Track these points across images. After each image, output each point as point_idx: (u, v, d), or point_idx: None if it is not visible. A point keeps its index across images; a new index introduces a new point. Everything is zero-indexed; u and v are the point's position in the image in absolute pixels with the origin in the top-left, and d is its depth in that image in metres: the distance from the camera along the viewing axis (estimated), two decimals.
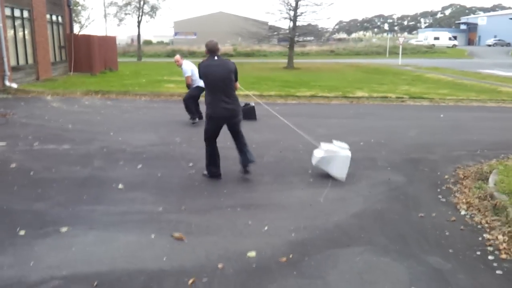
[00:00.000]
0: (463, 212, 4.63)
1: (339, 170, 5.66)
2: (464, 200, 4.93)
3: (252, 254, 3.63)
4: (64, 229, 4.03)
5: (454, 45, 59.10)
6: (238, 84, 5.60)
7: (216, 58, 5.36)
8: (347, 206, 4.80)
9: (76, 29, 27.29)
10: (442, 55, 43.79)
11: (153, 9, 36.97)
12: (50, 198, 4.83)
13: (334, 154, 5.69)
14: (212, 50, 5.35)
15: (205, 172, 5.67)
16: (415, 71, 24.01)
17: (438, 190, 5.35)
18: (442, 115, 10.89)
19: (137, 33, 37.07)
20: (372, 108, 12.30)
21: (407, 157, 6.86)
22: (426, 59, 35.82)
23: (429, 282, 3.28)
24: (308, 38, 32.51)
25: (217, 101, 5.29)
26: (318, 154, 5.81)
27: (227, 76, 5.30)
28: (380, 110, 11.87)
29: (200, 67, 5.42)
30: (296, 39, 28.97)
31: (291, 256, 3.62)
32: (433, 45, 53.85)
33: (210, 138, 5.54)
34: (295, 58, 29.68)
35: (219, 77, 5.27)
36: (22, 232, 3.95)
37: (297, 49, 35.65)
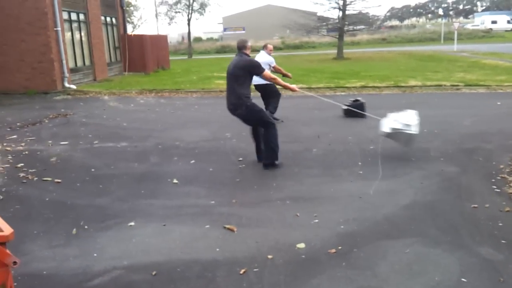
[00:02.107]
0: None
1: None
2: None
3: (301, 245, 3.72)
4: (124, 222, 4.29)
5: None
6: (267, 73, 5.99)
7: (237, 55, 5.89)
8: (397, 198, 4.78)
9: (129, 29, 28.22)
10: (501, 39, 41.59)
11: (202, 6, 37.66)
12: (110, 193, 5.13)
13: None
14: (237, 47, 5.94)
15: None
16: (472, 57, 23.04)
17: (493, 180, 5.21)
18: (499, 103, 10.46)
19: (187, 31, 37.87)
20: (426, 97, 12.00)
21: (461, 147, 6.69)
22: (483, 44, 34.21)
23: (480, 273, 3.24)
24: (358, 27, 31.96)
25: (227, 94, 5.91)
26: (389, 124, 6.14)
27: (232, 72, 5.76)
28: (434, 99, 11.56)
29: None
30: (345, 28, 28.59)
31: (340, 247, 3.68)
32: (491, 29, 51.18)
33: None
34: (345, 48, 29.27)
35: (228, 73, 5.84)
36: (86, 226, 4.24)
37: (347, 39, 35.20)
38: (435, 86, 13.39)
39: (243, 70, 5.70)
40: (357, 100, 9.47)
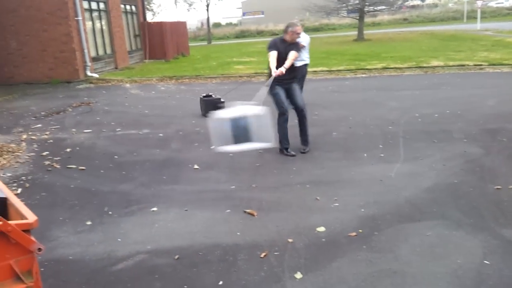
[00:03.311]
0: None
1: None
2: None
3: (321, 229, 3.74)
4: (147, 208, 4.36)
5: None
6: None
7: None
8: (419, 180, 4.73)
9: (148, 17, 28.33)
10: None
11: None
12: (133, 179, 5.22)
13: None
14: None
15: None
16: (495, 36, 22.41)
17: None
18: None
19: (206, 17, 37.80)
20: (448, 77, 11.76)
21: (484, 127, 6.56)
22: (508, 22, 33.18)
23: (503, 255, 3.21)
24: (379, 8, 31.30)
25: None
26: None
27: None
28: (457, 79, 11.32)
29: None
30: (366, 9, 28.05)
31: (360, 231, 3.68)
32: None
33: None
34: (366, 30, 28.79)
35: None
36: (110, 212, 4.34)
37: (367, 19, 34.59)
38: (458, 66, 13.11)
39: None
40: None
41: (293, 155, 5.79)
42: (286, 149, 5.87)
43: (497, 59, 13.78)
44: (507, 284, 2.89)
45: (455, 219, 3.81)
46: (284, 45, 5.79)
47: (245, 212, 4.15)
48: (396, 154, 5.60)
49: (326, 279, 3.04)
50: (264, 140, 4.53)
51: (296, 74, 6.19)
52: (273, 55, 5.69)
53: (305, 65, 8.55)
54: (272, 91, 5.79)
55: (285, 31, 5.85)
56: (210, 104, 8.05)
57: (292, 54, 5.68)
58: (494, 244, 3.37)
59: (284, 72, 5.56)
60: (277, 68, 5.55)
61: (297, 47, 5.89)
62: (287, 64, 5.59)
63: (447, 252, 3.31)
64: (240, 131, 4.38)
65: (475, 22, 30.49)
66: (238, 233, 3.76)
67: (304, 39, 8.97)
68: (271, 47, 5.81)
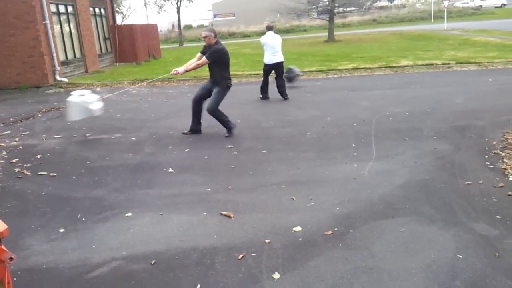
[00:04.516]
0: (511, 178, 4.55)
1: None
2: None
3: (298, 228, 3.76)
4: (121, 213, 4.30)
5: (503, 5, 55.42)
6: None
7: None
8: (392, 178, 4.82)
9: (118, 19, 27.95)
10: (491, 16, 41.49)
11: None
12: (106, 184, 5.14)
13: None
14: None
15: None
16: (462, 35, 23.04)
17: (486, 156, 5.26)
18: (490, 79, 10.51)
19: (177, 19, 37.55)
20: (417, 76, 12.02)
21: (453, 124, 6.73)
22: (474, 21, 34.10)
23: (475, 249, 3.29)
24: (349, 9, 31.80)
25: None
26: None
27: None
28: (426, 78, 11.58)
29: None
30: (335, 10, 28.42)
31: (336, 229, 3.72)
32: (480, 6, 50.95)
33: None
34: (336, 31, 29.15)
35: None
36: (83, 218, 4.26)
37: (337, 21, 35.00)
38: (427, 65, 13.42)
39: None
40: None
41: (183, 132, 7.18)
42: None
43: (464, 57, 14.16)
44: (480, 277, 2.97)
45: (428, 215, 3.89)
46: (207, 48, 6.85)
47: (221, 214, 4.14)
48: (368, 152, 5.69)
49: (303, 278, 3.06)
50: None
51: (216, 78, 6.94)
52: (196, 57, 6.97)
53: (281, 62, 9.71)
54: None
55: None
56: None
57: (201, 59, 6.78)
58: (466, 239, 3.45)
59: (180, 72, 6.75)
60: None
61: (210, 52, 6.73)
62: (190, 67, 6.81)
63: (421, 248, 3.37)
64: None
65: (442, 22, 31.27)
66: (215, 236, 3.74)
67: (275, 38, 9.41)
68: (202, 49, 6.99)
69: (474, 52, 15.44)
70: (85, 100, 6.92)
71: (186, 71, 6.77)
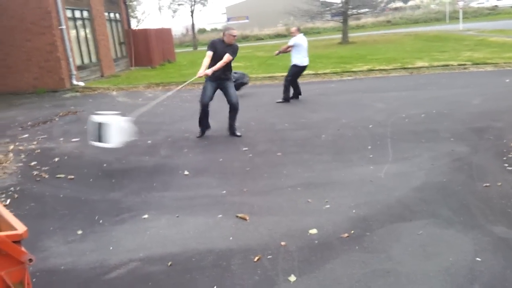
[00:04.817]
0: None
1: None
2: None
3: (313, 231, 3.75)
4: (138, 215, 4.34)
5: None
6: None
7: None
8: (408, 180, 4.77)
9: (133, 24, 28.25)
10: (507, 16, 40.84)
11: None
12: (123, 187, 5.18)
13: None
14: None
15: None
16: (478, 36, 22.76)
17: (504, 158, 5.18)
18: (507, 80, 10.35)
19: (191, 23, 37.78)
20: (433, 77, 11.90)
21: (471, 126, 6.65)
22: (489, 21, 33.65)
23: (494, 252, 3.25)
24: (362, 10, 31.64)
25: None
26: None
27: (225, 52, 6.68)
28: (442, 79, 11.46)
29: None
30: (349, 12, 28.30)
31: (352, 232, 3.70)
32: (496, 6, 50.28)
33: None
34: (350, 32, 29.01)
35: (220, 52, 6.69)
36: (100, 220, 4.30)
37: (351, 22, 34.84)
38: (443, 66, 13.28)
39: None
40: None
41: (197, 136, 7.19)
42: (200, 131, 7.23)
43: (481, 58, 13.98)
44: (500, 280, 2.92)
45: (446, 218, 3.85)
46: (222, 46, 6.67)
47: (237, 216, 4.15)
48: (385, 154, 5.65)
49: (320, 281, 3.05)
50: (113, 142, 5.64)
51: (228, 74, 6.92)
52: (208, 56, 6.63)
53: (305, 66, 9.91)
54: (204, 85, 6.96)
55: (224, 33, 6.69)
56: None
57: (225, 57, 6.56)
58: (485, 241, 3.41)
59: (209, 74, 6.55)
60: (210, 67, 6.54)
61: (233, 49, 6.68)
62: (217, 66, 6.53)
63: (439, 251, 3.34)
64: (99, 132, 5.68)
65: (458, 23, 30.92)
66: (231, 238, 3.75)
67: (306, 41, 9.58)
68: (209, 47, 6.71)
69: (490, 52, 15.25)
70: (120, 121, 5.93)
71: (214, 71, 6.61)
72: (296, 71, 9.79)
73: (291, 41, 9.65)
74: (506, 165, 4.98)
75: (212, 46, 6.70)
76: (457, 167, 5.06)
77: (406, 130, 6.70)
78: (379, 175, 4.97)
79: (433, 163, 5.22)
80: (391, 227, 3.75)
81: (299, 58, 9.67)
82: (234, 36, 6.64)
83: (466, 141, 5.94)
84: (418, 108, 8.03)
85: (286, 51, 9.78)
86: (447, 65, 13.28)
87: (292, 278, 3.10)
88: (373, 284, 2.98)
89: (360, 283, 2.99)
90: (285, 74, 9.93)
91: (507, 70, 12.10)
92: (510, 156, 5.24)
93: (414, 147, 5.85)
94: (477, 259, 3.17)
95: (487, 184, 4.47)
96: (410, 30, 32.74)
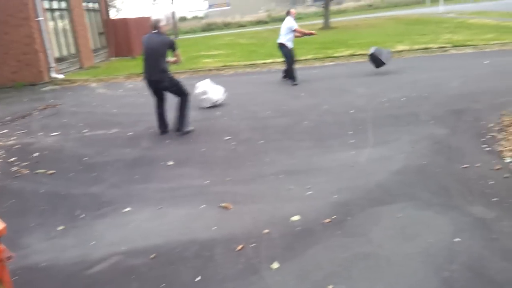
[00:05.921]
0: (508, 160, 4.56)
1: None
2: (509, 148, 4.83)
3: (296, 218, 3.77)
4: (120, 208, 4.32)
5: None
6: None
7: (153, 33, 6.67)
8: (389, 164, 4.82)
9: (112, 13, 27.78)
10: None
11: None
12: (104, 180, 5.15)
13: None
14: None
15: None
16: (458, 18, 22.93)
17: (483, 139, 5.26)
18: (487, 62, 10.47)
19: (171, 11, 37.34)
20: (414, 60, 11.99)
21: (450, 108, 6.72)
22: (470, 3, 33.95)
23: (472, 232, 3.31)
24: None
25: (149, 68, 6.73)
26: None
27: (156, 48, 6.66)
28: (422, 62, 11.55)
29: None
30: None
31: (334, 217, 3.73)
32: None
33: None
34: (332, 17, 28.97)
35: (150, 49, 6.64)
36: (82, 215, 4.27)
37: (333, 7, 34.81)
38: (423, 49, 13.36)
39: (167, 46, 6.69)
40: None
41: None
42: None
43: (460, 40, 14.10)
44: (477, 259, 2.98)
45: (425, 200, 3.90)
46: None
47: (220, 206, 4.15)
48: (366, 139, 5.69)
49: (302, 267, 3.08)
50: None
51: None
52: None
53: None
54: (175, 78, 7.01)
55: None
56: None
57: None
58: (463, 222, 3.47)
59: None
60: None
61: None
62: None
63: (418, 232, 3.39)
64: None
65: (438, 5, 31.07)
66: (214, 228, 3.76)
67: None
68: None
69: (470, 34, 15.38)
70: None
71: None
72: (293, 53, 10.19)
73: (295, 23, 9.99)
74: (485, 146, 5.05)
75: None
76: (436, 149, 5.12)
77: (387, 114, 6.75)
78: (360, 160, 5.01)
79: (413, 146, 5.27)
80: (371, 211, 3.79)
81: (292, 41, 10.15)
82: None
83: (446, 124, 6.00)
84: (398, 92, 8.08)
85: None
86: (427, 48, 13.37)
87: (275, 265, 3.13)
88: (354, 267, 3.02)
89: (342, 267, 3.03)
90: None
91: (486, 52, 12.22)
92: (488, 137, 5.33)
93: (395, 131, 5.90)
94: (456, 239, 3.23)
95: (466, 166, 4.53)
96: (391, 14, 32.85)
